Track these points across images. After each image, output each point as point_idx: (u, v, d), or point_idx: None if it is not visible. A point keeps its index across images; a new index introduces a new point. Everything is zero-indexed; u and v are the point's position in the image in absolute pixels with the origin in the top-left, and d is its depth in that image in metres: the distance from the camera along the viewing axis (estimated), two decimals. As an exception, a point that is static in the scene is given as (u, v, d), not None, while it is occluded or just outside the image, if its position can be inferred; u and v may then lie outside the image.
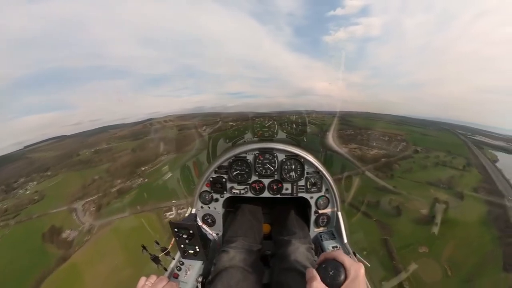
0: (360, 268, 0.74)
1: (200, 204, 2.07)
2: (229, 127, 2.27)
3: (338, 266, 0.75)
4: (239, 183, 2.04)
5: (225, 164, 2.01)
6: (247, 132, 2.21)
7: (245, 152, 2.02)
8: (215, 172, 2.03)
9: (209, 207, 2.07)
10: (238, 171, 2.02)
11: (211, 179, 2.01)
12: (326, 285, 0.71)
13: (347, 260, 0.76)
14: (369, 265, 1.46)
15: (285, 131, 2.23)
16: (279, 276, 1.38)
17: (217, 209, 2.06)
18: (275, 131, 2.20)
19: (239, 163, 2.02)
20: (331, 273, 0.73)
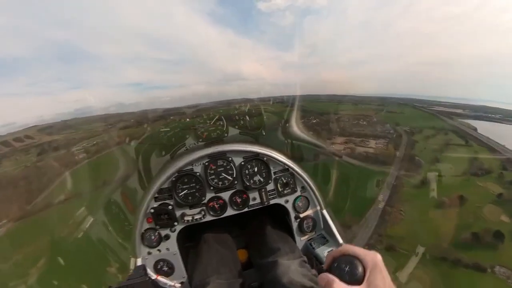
0: (376, 255, 0.85)
1: (146, 249, 2.07)
2: (162, 134, 2.38)
3: (352, 259, 0.85)
4: (191, 207, 2.11)
5: (167, 185, 2.05)
6: (187, 136, 2.30)
7: (191, 163, 2.10)
8: (156, 199, 2.05)
9: (159, 250, 2.09)
10: (186, 191, 2.08)
11: (151, 210, 2.02)
12: (348, 284, 0.79)
13: (359, 250, 0.87)
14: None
15: (237, 126, 2.41)
16: None
17: (171, 249, 2.10)
18: (224, 128, 2.36)
19: (186, 180, 2.08)
20: (347, 269, 0.83)
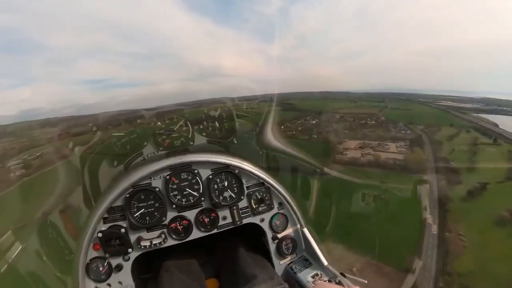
0: None
1: (92, 284, 1.98)
2: (115, 140, 2.26)
3: None
4: (149, 229, 2.06)
5: (119, 203, 1.99)
6: (145, 143, 2.24)
7: (149, 176, 2.06)
8: (105, 220, 1.98)
9: (109, 285, 2.00)
10: (142, 210, 2.03)
11: (99, 235, 1.94)
12: None
13: None
14: (365, 281, 1.77)
15: (204, 133, 2.40)
16: None
17: (124, 283, 2.03)
18: (189, 135, 2.33)
19: (142, 197, 2.03)
20: None
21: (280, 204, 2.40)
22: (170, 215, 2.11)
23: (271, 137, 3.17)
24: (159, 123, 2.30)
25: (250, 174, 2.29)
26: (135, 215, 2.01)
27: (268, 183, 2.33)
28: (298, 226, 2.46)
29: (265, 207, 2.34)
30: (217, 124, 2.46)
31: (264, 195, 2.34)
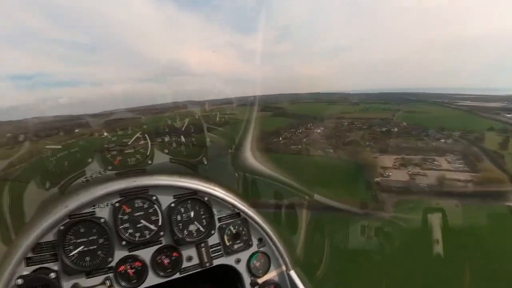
0: None
1: None
2: (47, 154, 2.11)
3: None
4: (89, 274, 1.96)
5: (50, 238, 1.88)
6: (89, 160, 2.15)
7: (91, 203, 1.98)
8: (29, 262, 1.84)
9: None
10: (82, 248, 1.93)
11: (19, 282, 1.77)
12: None
13: None
14: None
15: (167, 149, 2.33)
16: None
17: None
18: (147, 152, 2.26)
19: (82, 230, 1.95)
20: None
21: (261, 240, 2.40)
22: (119, 254, 2.03)
23: (252, 154, 3.09)
24: (108, 134, 2.21)
25: (224, 203, 2.27)
26: (71, 254, 1.89)
27: (246, 214, 2.32)
28: (284, 268, 2.44)
29: (241, 245, 2.32)
30: (182, 138, 2.39)
31: (241, 229, 2.32)
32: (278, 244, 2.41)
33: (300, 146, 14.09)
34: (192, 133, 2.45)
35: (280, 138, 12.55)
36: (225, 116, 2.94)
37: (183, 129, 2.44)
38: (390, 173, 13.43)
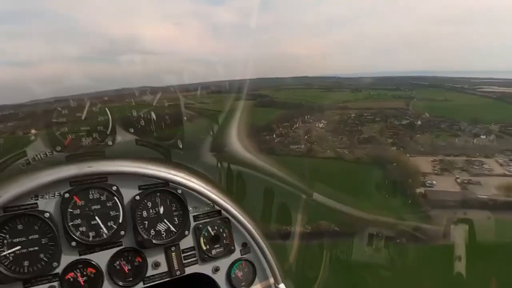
0: None
1: None
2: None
3: None
4: (28, 282, 1.84)
5: None
6: (32, 138, 2.02)
7: (34, 193, 1.84)
8: None
9: None
10: (18, 249, 1.80)
11: None
12: None
13: None
14: None
15: (132, 128, 2.21)
16: None
17: None
18: (108, 130, 2.14)
19: (20, 227, 1.81)
20: None
21: (245, 245, 2.32)
22: (67, 258, 1.89)
23: (238, 141, 2.95)
24: (58, 105, 2.05)
25: (201, 197, 2.18)
26: (4, 260, 1.76)
27: (228, 212, 2.24)
28: (271, 280, 2.39)
29: (221, 250, 2.24)
30: (153, 115, 2.26)
31: (221, 230, 2.24)
32: (266, 251, 2.32)
33: (302, 146, 12.51)
34: (165, 109, 2.34)
35: (274, 135, 11.54)
36: (194, 106, 2.82)
37: (154, 104, 2.33)
38: (434, 181, 11.73)
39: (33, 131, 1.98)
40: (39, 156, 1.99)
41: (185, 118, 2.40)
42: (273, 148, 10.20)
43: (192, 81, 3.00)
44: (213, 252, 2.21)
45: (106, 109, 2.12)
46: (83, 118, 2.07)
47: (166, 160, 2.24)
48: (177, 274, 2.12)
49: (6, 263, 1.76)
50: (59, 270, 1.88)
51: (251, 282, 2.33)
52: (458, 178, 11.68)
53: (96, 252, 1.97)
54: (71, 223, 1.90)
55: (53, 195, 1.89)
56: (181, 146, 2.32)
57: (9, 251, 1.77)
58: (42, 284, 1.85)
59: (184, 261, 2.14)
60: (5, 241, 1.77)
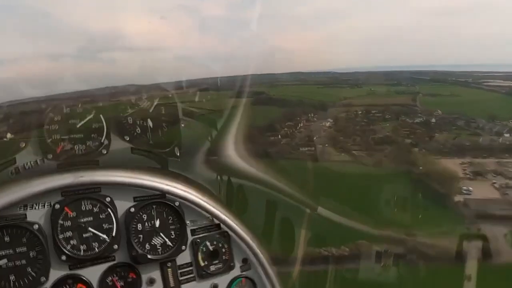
0: None
1: None
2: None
3: None
4: None
5: None
6: (22, 145, 1.98)
7: (23, 203, 1.82)
8: None
9: None
10: (4, 263, 1.76)
11: None
12: None
13: None
14: None
15: (128, 136, 2.18)
16: None
17: None
18: (102, 138, 2.11)
19: (7, 239, 1.78)
20: None
21: (246, 261, 2.30)
22: (56, 273, 1.86)
23: (238, 152, 2.92)
24: (50, 111, 2.04)
25: (200, 210, 2.16)
26: None
27: (228, 226, 2.22)
28: None
29: (220, 266, 2.22)
30: (150, 122, 2.24)
31: (220, 245, 2.22)
32: (268, 268, 2.30)
33: (313, 148, 11.83)
34: (162, 116, 2.31)
35: (279, 136, 11.25)
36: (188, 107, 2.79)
37: (150, 111, 2.30)
38: (470, 188, 11.04)
39: (8, 135, 1.96)
40: (29, 164, 1.96)
41: (182, 125, 2.40)
42: (279, 152, 10.05)
43: (180, 78, 2.91)
44: (212, 268, 2.19)
45: (101, 115, 2.10)
46: (77, 126, 2.04)
47: (162, 169, 2.22)
48: None
49: None
50: (47, 285, 1.85)
51: None
52: (495, 182, 11.25)
53: (88, 267, 1.94)
54: (62, 235, 1.87)
55: (43, 205, 1.87)
56: (178, 154, 2.29)
57: None
58: None
59: (180, 278, 2.11)
60: None
